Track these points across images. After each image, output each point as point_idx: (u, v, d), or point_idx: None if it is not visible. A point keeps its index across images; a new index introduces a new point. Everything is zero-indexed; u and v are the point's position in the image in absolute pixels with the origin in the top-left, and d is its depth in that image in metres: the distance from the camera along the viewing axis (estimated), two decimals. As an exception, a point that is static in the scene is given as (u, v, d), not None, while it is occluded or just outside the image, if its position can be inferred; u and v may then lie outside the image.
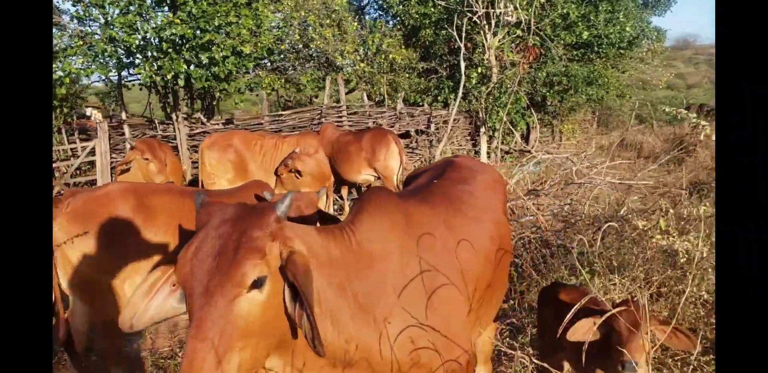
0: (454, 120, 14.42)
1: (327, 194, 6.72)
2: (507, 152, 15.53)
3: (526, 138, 16.60)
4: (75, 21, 9.96)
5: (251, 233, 1.62)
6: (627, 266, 4.68)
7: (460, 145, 14.70)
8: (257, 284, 1.59)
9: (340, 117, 11.50)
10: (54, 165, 10.56)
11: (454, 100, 13.04)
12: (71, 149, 10.93)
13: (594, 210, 5.96)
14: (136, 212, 3.72)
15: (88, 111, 13.14)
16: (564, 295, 3.12)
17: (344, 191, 10.09)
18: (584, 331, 2.66)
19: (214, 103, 11.81)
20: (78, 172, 11.03)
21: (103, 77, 12.08)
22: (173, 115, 11.60)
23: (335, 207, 10.19)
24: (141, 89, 12.61)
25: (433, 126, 13.56)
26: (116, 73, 11.06)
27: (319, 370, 1.93)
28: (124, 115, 12.65)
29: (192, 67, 9.45)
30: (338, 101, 12.11)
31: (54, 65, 9.02)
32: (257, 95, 12.49)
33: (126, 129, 11.77)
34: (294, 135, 8.10)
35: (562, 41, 13.72)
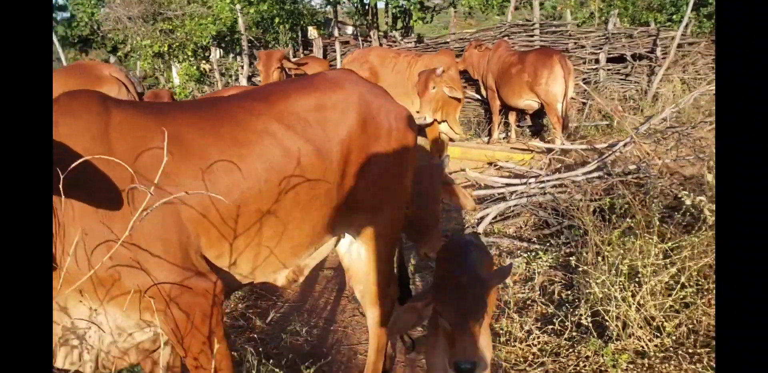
0: (692, 44, 12.19)
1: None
2: None
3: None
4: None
5: None
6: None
7: (698, 75, 12.41)
8: None
9: (531, 36, 10.54)
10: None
11: (691, 19, 10.97)
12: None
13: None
14: None
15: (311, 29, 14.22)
16: (452, 248, 2.66)
17: (512, 118, 9.44)
18: (405, 320, 2.19)
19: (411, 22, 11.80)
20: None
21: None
22: (371, 33, 11.99)
23: (503, 136, 9.64)
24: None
25: (659, 50, 11.65)
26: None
27: None
28: (336, 33, 13.45)
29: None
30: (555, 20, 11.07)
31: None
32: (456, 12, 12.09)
33: (337, 45, 12.56)
34: (429, 54, 7.78)
35: None
